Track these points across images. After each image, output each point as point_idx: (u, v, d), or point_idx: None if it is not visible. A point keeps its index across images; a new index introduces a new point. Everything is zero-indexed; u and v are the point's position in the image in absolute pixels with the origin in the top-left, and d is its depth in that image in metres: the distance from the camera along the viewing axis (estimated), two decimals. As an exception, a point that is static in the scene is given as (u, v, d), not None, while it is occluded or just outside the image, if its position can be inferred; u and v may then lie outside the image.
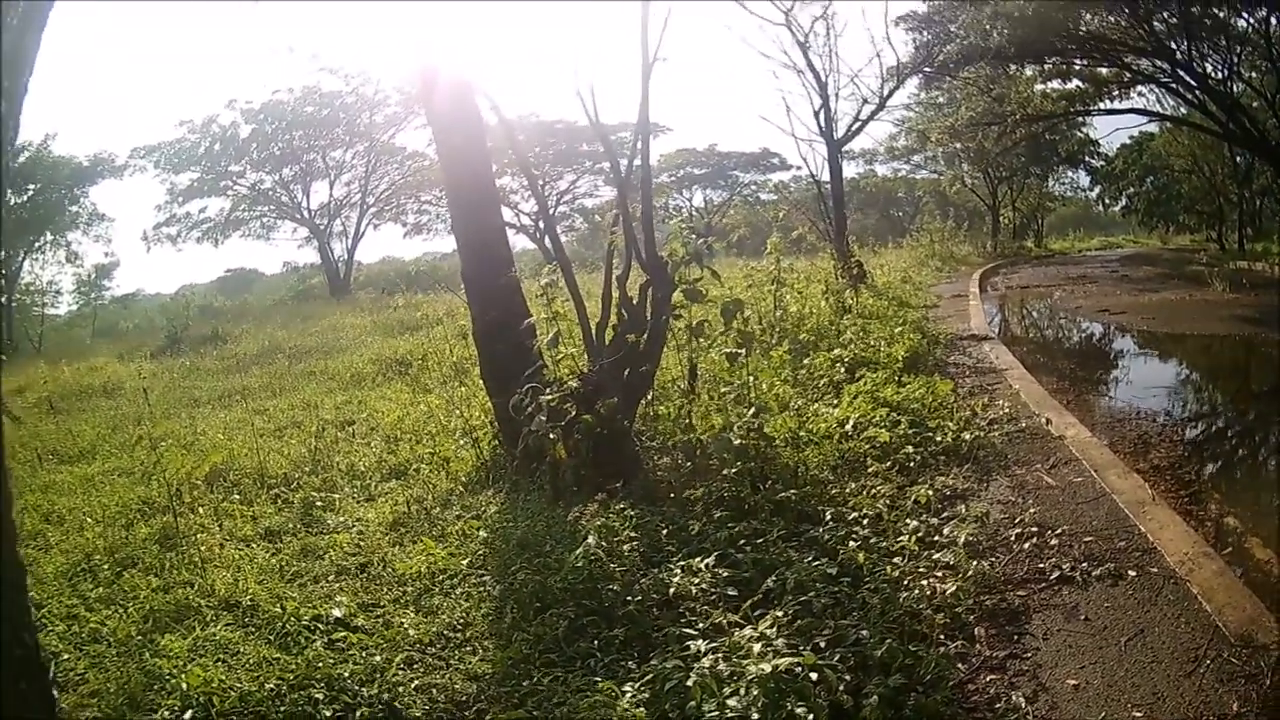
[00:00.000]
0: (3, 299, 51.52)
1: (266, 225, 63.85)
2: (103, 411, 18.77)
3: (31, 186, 53.57)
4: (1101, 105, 43.30)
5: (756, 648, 5.31)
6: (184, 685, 5.88)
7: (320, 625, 6.82)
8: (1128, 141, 65.55)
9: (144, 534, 9.46)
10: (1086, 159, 67.62)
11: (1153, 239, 66.93)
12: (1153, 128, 56.96)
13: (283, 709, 5.68)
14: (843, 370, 13.03)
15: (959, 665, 5.64)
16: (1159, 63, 36.11)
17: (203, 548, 8.73)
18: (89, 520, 10.10)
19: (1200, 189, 56.73)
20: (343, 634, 6.69)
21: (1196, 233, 61.72)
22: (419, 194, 61.34)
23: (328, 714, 5.63)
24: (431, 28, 11.07)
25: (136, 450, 12.45)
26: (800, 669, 5.04)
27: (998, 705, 5.23)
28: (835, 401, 11.49)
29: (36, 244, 56.08)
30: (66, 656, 6.75)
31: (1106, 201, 75.77)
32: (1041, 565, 6.93)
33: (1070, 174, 72.28)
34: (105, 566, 8.63)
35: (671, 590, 6.52)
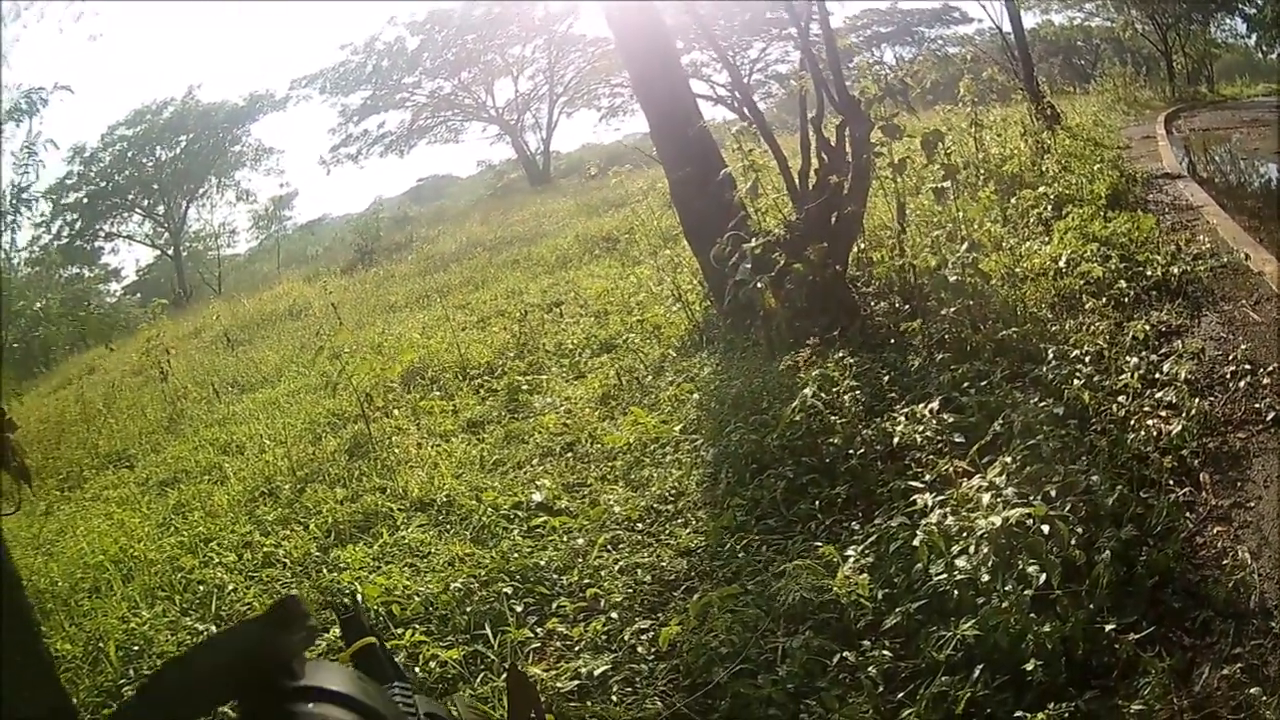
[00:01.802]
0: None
1: (453, 129, 64.26)
2: (289, 334, 19.07)
3: (183, 138, 54.34)
4: None
5: (985, 498, 4.99)
6: (360, 596, 5.65)
7: (519, 513, 6.69)
8: (1274, -10, 63.82)
9: (332, 447, 9.50)
10: (1240, 6, 65.91)
11: (1309, 86, 65.05)
12: None
13: (468, 609, 5.51)
14: (1049, 208, 12.59)
15: (1187, 515, 5.30)
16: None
17: (396, 450, 8.58)
18: (270, 443, 10.08)
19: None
20: (543, 519, 6.53)
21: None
22: (608, 78, 61.16)
23: (519, 609, 5.44)
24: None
25: (319, 364, 12.45)
26: (1031, 521, 4.69)
27: (1224, 561, 4.89)
28: (1046, 238, 11.10)
29: (200, 190, 56.40)
30: (232, 588, 6.69)
31: (1264, 49, 73.89)
32: (1257, 405, 6.55)
33: (1228, 21, 70.48)
34: (286, 487, 8.60)
35: (896, 440, 6.23)
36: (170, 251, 53.25)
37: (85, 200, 50.99)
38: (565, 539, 6.15)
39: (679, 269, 12.26)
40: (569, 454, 7.81)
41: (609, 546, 6.03)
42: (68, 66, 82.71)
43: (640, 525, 6.29)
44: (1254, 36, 70.63)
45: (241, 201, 58.23)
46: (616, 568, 5.75)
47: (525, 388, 10.02)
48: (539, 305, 14.37)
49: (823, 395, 6.84)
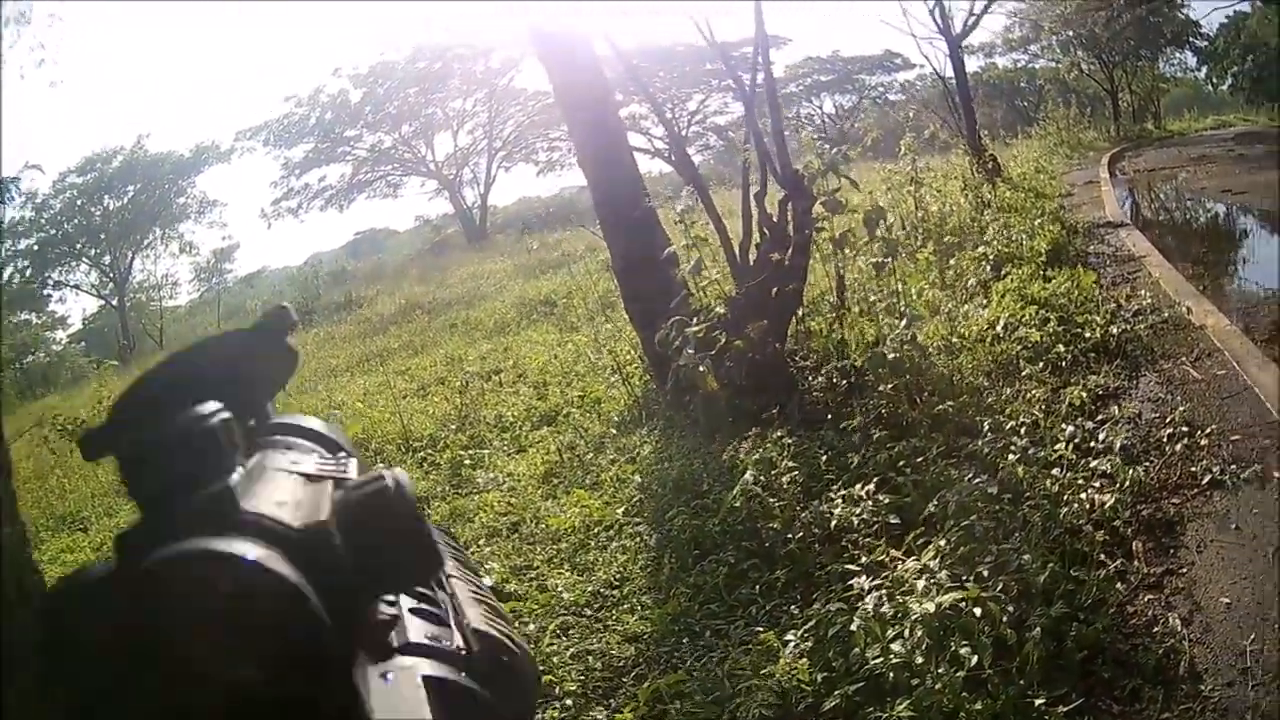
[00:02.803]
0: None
1: (392, 183, 64.45)
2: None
3: (131, 188, 54.91)
4: None
5: (920, 584, 5.11)
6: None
7: (471, 597, 6.66)
8: (1224, 21, 64.73)
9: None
10: (1190, 39, 66.85)
11: (1261, 116, 65.62)
12: (1245, 7, 56.59)
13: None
14: (988, 268, 12.76)
15: (1118, 585, 5.44)
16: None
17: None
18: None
19: (1297, 66, 55.69)
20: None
21: (1301, 110, 60.51)
22: (547, 132, 61.39)
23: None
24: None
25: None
26: (964, 604, 4.82)
27: (1155, 629, 5.03)
28: (984, 301, 11.24)
29: (145, 242, 56.94)
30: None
31: (1214, 82, 74.84)
32: (1194, 469, 6.70)
33: (1178, 55, 71.53)
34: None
35: (833, 524, 6.30)
36: (115, 302, 53.62)
37: (36, 247, 51.80)
38: (517, 624, 6.16)
39: (618, 338, 12.37)
40: (514, 535, 7.85)
41: (560, 633, 6.08)
42: (27, 111, 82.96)
43: (589, 611, 6.34)
44: (1204, 69, 71.75)
45: (184, 253, 58.75)
46: (568, 654, 5.80)
47: (468, 462, 10.07)
48: (479, 373, 14.41)
49: (762, 479, 6.90)
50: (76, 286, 54.75)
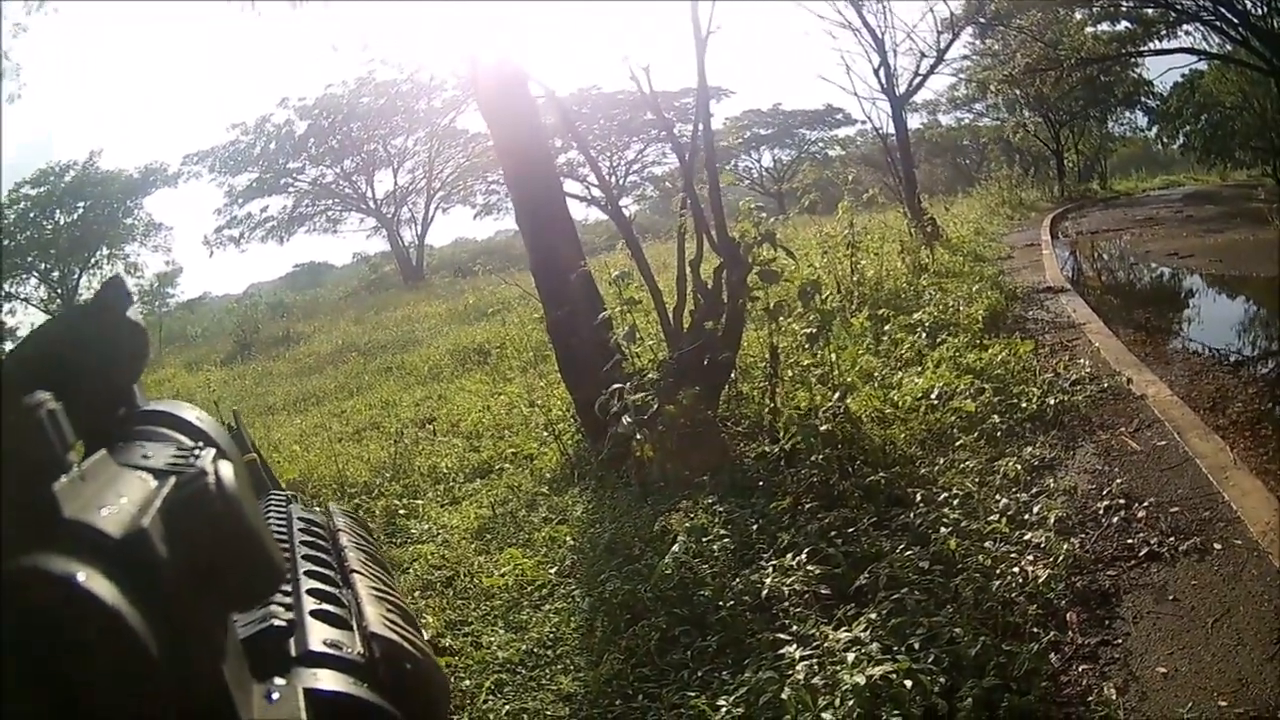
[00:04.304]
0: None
1: (332, 218, 64.89)
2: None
3: (82, 204, 55.50)
4: (1151, 46, 44.43)
5: (850, 656, 5.15)
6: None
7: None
8: (1179, 80, 65.39)
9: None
10: (1142, 99, 67.34)
11: (1212, 176, 66.15)
12: (1202, 66, 57.14)
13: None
14: (924, 335, 12.80)
15: (1052, 657, 5.49)
16: (1201, 1, 36.27)
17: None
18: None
19: (1252, 125, 56.23)
20: (430, 659, 6.57)
21: (1253, 168, 60.96)
22: (486, 175, 61.54)
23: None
24: (474, 19, 11.04)
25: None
26: (895, 675, 4.89)
27: (1090, 699, 5.10)
28: (919, 369, 11.33)
29: (92, 260, 57.44)
30: None
31: (1164, 140, 75.33)
32: (1130, 541, 6.76)
33: (1128, 115, 71.95)
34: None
35: (764, 593, 6.33)
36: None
37: (-11, 255, 51.53)
38: (452, 679, 6.22)
39: (550, 394, 12.51)
40: (449, 589, 7.88)
41: (495, 690, 6.14)
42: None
43: (523, 670, 6.38)
44: (1154, 129, 72.33)
45: (129, 275, 58.16)
46: (504, 711, 5.87)
47: (402, 511, 10.10)
48: (412, 421, 14.55)
49: (693, 546, 7.01)
50: (26, 299, 54.98)
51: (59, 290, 54.55)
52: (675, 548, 6.96)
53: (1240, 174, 61.90)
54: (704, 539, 7.20)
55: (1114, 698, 5.04)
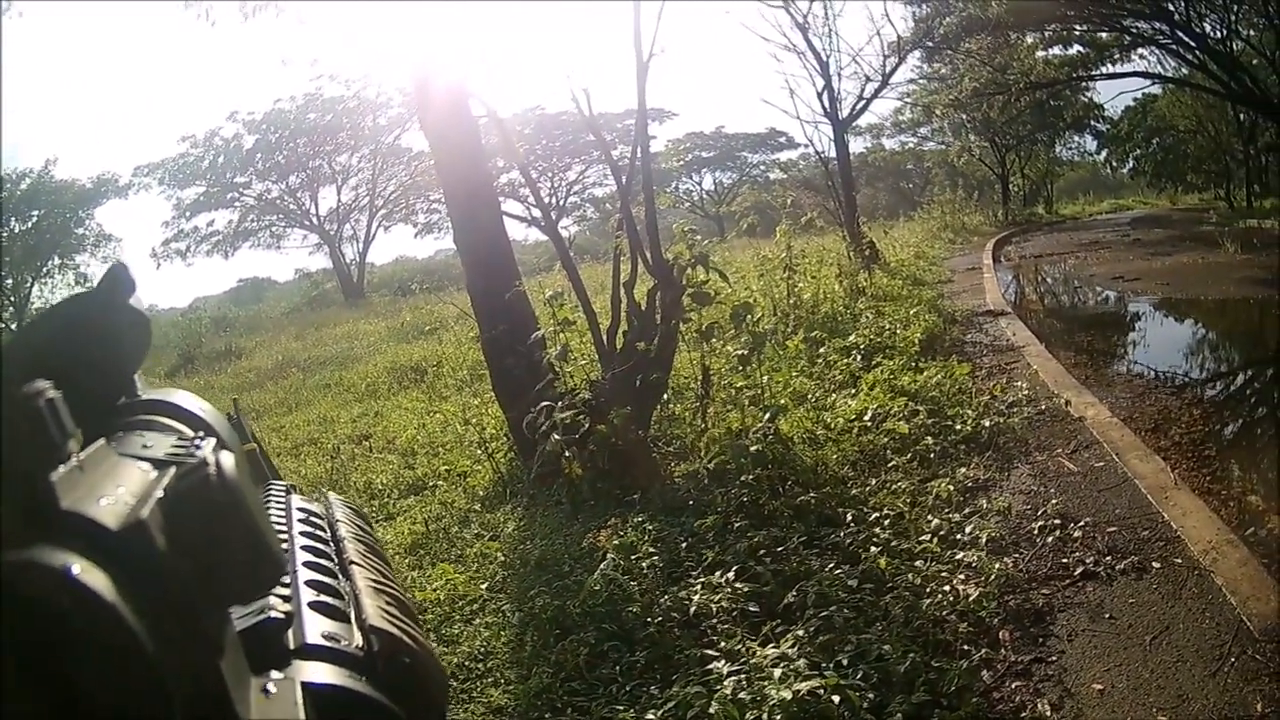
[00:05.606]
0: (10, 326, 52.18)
1: (276, 234, 64.80)
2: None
3: (36, 212, 55.33)
4: (1103, 70, 44.38)
5: (778, 672, 5.21)
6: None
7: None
8: (1131, 104, 65.80)
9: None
10: (1092, 123, 67.63)
11: (1162, 200, 66.61)
12: (1156, 89, 57.54)
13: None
14: (859, 358, 12.86)
15: (983, 673, 5.51)
16: (1158, 25, 36.53)
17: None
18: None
19: (1206, 148, 56.94)
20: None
21: (1204, 192, 61.49)
22: (428, 194, 61.32)
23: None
24: (418, 37, 11.08)
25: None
26: (823, 691, 4.95)
27: (1023, 715, 5.13)
28: (853, 391, 11.33)
29: (44, 269, 57.16)
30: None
31: (1114, 165, 75.78)
32: (1065, 560, 6.77)
33: (1077, 139, 72.26)
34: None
35: (692, 609, 6.40)
36: (14, 327, 52.65)
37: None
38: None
39: (484, 412, 12.51)
40: (382, 603, 7.88)
41: (426, 702, 6.20)
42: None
43: (454, 682, 6.42)
44: (1104, 153, 72.75)
45: (79, 285, 57.92)
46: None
47: (339, 528, 10.05)
48: (349, 437, 14.62)
49: (622, 563, 7.06)
50: (-24, 308, 54.18)
51: (11, 299, 54.42)
52: (604, 565, 7.02)
53: (1191, 198, 62.51)
54: (633, 556, 7.26)
55: (1048, 714, 5.08)
